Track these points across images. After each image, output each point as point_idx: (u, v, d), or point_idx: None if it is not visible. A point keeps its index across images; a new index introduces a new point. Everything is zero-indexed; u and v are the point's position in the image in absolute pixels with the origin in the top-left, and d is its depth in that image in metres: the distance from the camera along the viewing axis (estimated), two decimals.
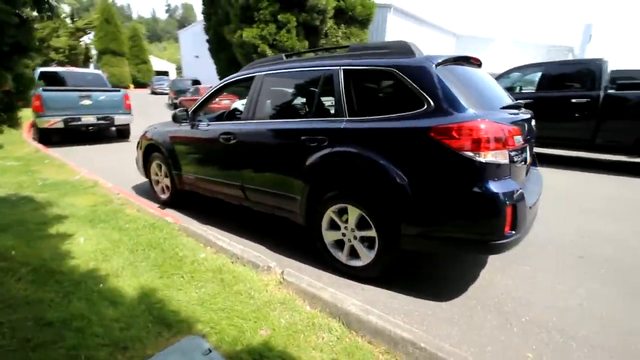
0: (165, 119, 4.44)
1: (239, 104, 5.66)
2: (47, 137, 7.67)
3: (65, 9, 23.14)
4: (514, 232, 1.89)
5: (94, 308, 1.89)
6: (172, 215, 3.50)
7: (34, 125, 9.12)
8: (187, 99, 15.27)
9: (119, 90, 8.02)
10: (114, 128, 8.48)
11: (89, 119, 7.56)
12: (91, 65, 24.46)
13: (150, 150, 4.00)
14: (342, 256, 2.43)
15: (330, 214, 2.41)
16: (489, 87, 2.49)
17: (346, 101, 2.30)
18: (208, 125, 3.31)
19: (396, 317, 1.94)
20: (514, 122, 2.12)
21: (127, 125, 8.43)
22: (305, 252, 2.78)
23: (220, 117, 3.84)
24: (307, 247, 2.83)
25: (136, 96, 19.72)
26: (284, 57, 2.80)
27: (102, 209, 3.64)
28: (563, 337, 1.85)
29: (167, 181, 3.90)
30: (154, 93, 27.44)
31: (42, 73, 8.17)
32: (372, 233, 2.22)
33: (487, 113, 1.99)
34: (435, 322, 1.97)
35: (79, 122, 7.48)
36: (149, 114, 14.21)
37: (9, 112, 2.15)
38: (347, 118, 2.27)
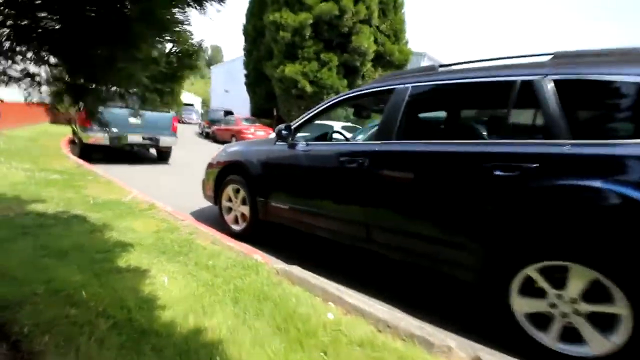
0: (198, 146, 4.02)
1: (338, 126, 5.19)
2: (88, 153, 7.27)
3: None
4: None
5: None
6: (257, 251, 2.83)
7: (73, 141, 8.87)
8: (221, 128, 15.17)
9: (168, 112, 7.74)
10: (153, 150, 8.12)
11: (135, 138, 7.18)
12: None
13: (225, 173, 3.43)
14: (546, 338, 1.68)
15: (529, 273, 1.71)
16: None
17: (566, 118, 1.70)
18: (313, 145, 2.74)
19: None
20: None
21: (170, 148, 8.05)
22: (464, 321, 2.04)
23: (321, 139, 3.28)
24: (470, 314, 2.10)
25: None
26: (437, 66, 2.26)
27: (169, 237, 2.98)
28: None
29: (244, 209, 3.27)
30: (181, 122, 28.14)
31: None
32: (617, 309, 1.50)
33: None
34: None
35: (125, 141, 7.11)
36: (181, 140, 14.05)
37: (170, 82, 1.61)
38: (573, 141, 1.65)
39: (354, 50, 13.98)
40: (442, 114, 2.60)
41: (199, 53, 1.56)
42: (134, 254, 2.51)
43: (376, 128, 4.10)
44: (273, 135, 3.07)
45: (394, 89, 2.35)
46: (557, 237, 1.66)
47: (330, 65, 13.77)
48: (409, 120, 2.27)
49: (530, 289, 1.74)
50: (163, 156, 8.24)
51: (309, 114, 2.86)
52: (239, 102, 23.50)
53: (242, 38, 18.25)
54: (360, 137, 4.67)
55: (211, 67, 41.82)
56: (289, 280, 2.30)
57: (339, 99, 2.70)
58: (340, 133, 3.18)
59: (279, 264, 2.57)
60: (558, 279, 1.66)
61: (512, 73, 1.91)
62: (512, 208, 1.74)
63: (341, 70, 14.32)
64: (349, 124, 8.25)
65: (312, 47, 13.68)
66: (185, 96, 50.56)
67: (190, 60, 1.54)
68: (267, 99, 16.86)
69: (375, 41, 15.00)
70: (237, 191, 3.33)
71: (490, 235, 1.80)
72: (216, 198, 3.56)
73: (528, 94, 1.83)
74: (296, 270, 2.39)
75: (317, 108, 2.82)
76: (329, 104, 2.76)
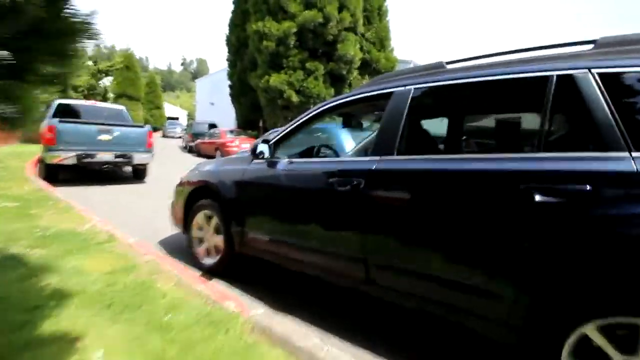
0: (180, 161, 3.56)
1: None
2: (54, 174, 6.64)
3: (89, 51, 23.77)
4: None
5: None
6: (230, 295, 2.31)
7: (41, 160, 8.19)
8: (205, 141, 14.60)
9: (142, 126, 7.19)
10: (129, 168, 7.53)
11: (105, 156, 6.59)
12: None
13: (196, 196, 2.92)
14: None
15: (587, 332, 1.25)
16: None
17: (622, 123, 1.27)
18: (297, 163, 2.27)
19: None
20: None
21: (146, 165, 7.47)
22: None
23: (306, 156, 2.79)
24: None
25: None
26: (444, 64, 1.82)
27: (123, 280, 2.44)
28: None
29: (217, 240, 2.75)
30: (165, 136, 27.47)
31: (59, 105, 7.40)
32: None
33: None
34: None
35: (94, 159, 6.50)
36: (163, 156, 13.43)
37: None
38: (636, 153, 1.21)
39: (339, 59, 13.71)
40: (455, 121, 2.14)
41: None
42: (70, 310, 1.97)
43: (370, 139, 3.67)
44: (247, 151, 2.57)
45: (392, 92, 1.90)
46: (626, 285, 1.21)
47: (317, 74, 13.45)
48: (413, 131, 1.83)
49: (588, 353, 1.28)
50: (139, 174, 7.65)
51: (290, 126, 2.40)
52: (225, 114, 23.00)
53: (227, 49, 17.87)
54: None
55: (196, 80, 41.29)
56: (267, 339, 1.79)
57: (325, 107, 2.25)
58: (330, 147, 2.71)
59: (257, 310, 2.06)
60: (627, 340, 1.21)
61: (545, 67, 1.48)
62: (563, 245, 1.29)
63: (327, 79, 14.01)
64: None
65: (297, 56, 13.35)
66: (171, 109, 49.93)
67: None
68: (252, 110, 16.43)
69: (361, 49, 14.80)
70: (209, 218, 2.82)
71: (534, 280, 1.35)
72: (186, 225, 3.04)
73: (568, 92, 1.41)
74: (277, 324, 1.88)
75: (300, 119, 2.36)
76: (313, 113, 2.30)
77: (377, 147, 1.89)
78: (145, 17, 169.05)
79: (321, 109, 2.27)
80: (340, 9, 13.02)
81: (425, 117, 2.05)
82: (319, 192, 2.05)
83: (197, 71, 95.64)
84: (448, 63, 1.83)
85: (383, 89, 1.97)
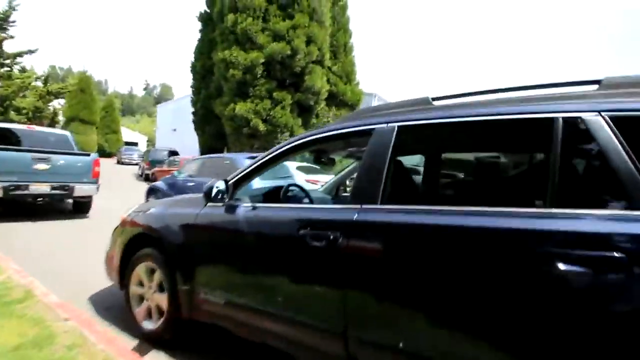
0: (134, 190, 3.06)
1: (297, 178, 4.20)
2: None
3: (38, 71, 22.11)
4: None
5: None
6: None
7: None
8: (163, 169, 13.71)
9: (88, 155, 6.45)
10: (70, 200, 6.65)
11: (39, 188, 5.74)
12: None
13: (137, 244, 2.42)
14: None
15: None
16: None
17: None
18: (261, 209, 1.91)
19: None
20: None
21: (90, 197, 6.64)
22: None
23: (272, 198, 2.41)
24: None
25: (101, 165, 17.85)
26: (430, 99, 1.60)
27: (35, 356, 1.87)
28: None
29: (161, 299, 2.25)
30: (120, 163, 25.86)
31: None
32: None
33: None
34: None
35: (25, 191, 5.63)
36: (115, 184, 12.35)
37: None
38: None
39: (307, 90, 13.78)
40: (445, 165, 1.90)
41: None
42: None
43: (343, 175, 3.38)
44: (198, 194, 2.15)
45: (372, 129, 1.64)
46: None
47: (284, 104, 13.34)
48: (399, 175, 1.57)
49: None
50: (80, 207, 6.78)
51: (253, 164, 2.05)
52: (188, 141, 22.12)
53: (191, 76, 17.44)
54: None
55: (158, 106, 39.98)
56: None
57: (294, 143, 1.93)
58: (299, 187, 2.38)
59: None
60: None
61: (548, 108, 1.30)
62: (592, 324, 1.03)
63: (295, 109, 13.95)
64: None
65: (265, 86, 13.23)
66: (129, 134, 47.53)
67: None
68: (216, 138, 15.85)
69: (328, 81, 15.06)
70: (151, 272, 2.32)
71: None
72: (122, 279, 2.50)
73: (576, 136, 1.22)
74: None
75: (266, 155, 2.03)
76: (281, 150, 1.97)
77: (357, 193, 1.59)
78: (106, 39, 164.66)
79: (290, 145, 1.95)
80: (308, 42, 13.25)
81: (412, 158, 1.81)
82: (287, 246, 1.69)
83: (161, 96, 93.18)
84: (434, 99, 1.62)
85: (362, 125, 1.71)
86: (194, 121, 17.26)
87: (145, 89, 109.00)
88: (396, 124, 1.58)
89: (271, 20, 13.06)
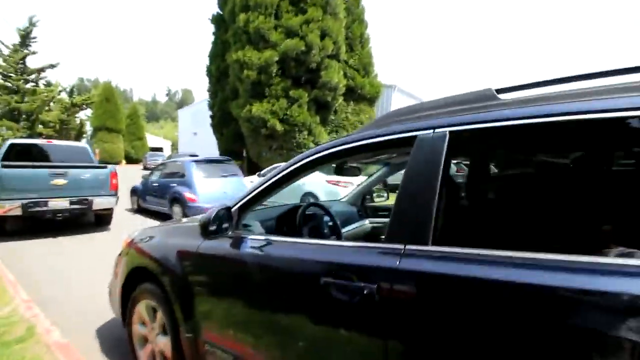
0: None
1: (317, 179, 3.76)
2: (0, 226, 5.71)
3: (63, 83, 22.88)
4: None
5: None
6: None
7: None
8: None
9: (105, 167, 6.35)
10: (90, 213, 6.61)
11: (58, 204, 5.68)
12: (83, 141, 23.50)
13: (137, 278, 2.12)
14: None
15: None
16: None
17: None
18: (271, 245, 1.52)
19: None
20: None
21: (110, 209, 6.57)
22: None
23: (287, 221, 2.01)
24: None
25: (127, 171, 18.26)
26: (495, 93, 1.14)
27: None
28: None
29: (164, 344, 1.93)
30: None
31: (12, 145, 6.54)
32: None
33: None
34: None
35: (44, 208, 5.59)
36: None
37: None
38: None
39: (324, 85, 13.33)
40: (530, 187, 1.32)
41: None
42: None
43: (371, 182, 2.94)
44: (193, 221, 1.77)
45: (412, 137, 1.21)
46: None
47: (301, 102, 12.97)
48: (456, 201, 1.12)
49: None
50: (101, 220, 6.74)
51: (261, 184, 1.67)
52: (208, 144, 22.31)
53: (207, 80, 17.43)
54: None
55: (178, 111, 40.78)
56: None
57: (312, 157, 1.53)
58: (321, 206, 1.93)
59: None
60: None
61: None
62: None
63: (312, 107, 13.55)
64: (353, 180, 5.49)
65: (280, 85, 12.90)
66: (154, 140, 48.82)
67: None
68: (235, 140, 15.75)
69: (345, 75, 14.53)
70: (153, 311, 2.01)
71: None
72: (125, 315, 2.21)
73: None
74: None
75: (279, 173, 1.63)
76: (296, 165, 1.57)
77: (396, 226, 1.17)
78: (130, 49, 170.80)
79: (307, 159, 1.55)
80: (322, 36, 12.78)
81: (475, 178, 1.35)
82: (306, 296, 1.31)
83: (182, 101, 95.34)
84: (499, 91, 1.17)
85: (397, 133, 1.28)
86: (212, 124, 17.27)
87: (167, 94, 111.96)
88: (447, 129, 1.14)
89: (283, 17, 12.69)
